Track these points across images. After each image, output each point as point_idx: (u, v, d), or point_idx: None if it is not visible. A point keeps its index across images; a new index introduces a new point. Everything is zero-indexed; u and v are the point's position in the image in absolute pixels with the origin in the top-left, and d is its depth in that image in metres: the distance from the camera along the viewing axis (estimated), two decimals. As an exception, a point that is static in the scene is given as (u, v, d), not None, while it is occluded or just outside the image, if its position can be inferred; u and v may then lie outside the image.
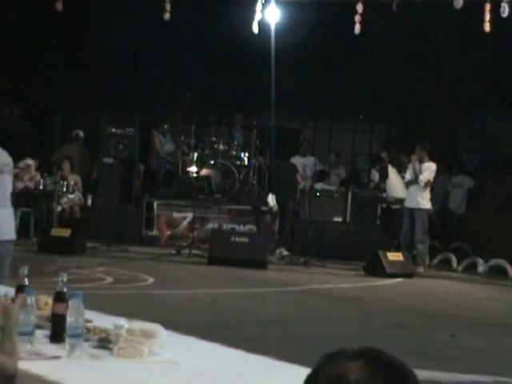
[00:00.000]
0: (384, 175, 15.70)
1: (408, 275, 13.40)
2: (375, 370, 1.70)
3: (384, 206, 16.08)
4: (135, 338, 3.27)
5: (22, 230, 15.83)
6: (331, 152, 19.05)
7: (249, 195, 16.85)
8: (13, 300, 3.83)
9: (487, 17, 12.59)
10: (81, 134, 17.86)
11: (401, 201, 15.09)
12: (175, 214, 16.35)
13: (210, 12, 17.60)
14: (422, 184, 14.23)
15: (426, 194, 14.39)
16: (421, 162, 14.38)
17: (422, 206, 14.30)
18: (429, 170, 14.34)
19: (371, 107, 20.13)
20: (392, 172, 15.80)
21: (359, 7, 13.15)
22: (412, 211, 14.37)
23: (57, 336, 3.42)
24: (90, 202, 16.92)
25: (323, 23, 17.29)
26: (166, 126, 17.78)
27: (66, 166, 16.15)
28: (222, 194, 16.29)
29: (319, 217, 15.73)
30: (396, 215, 15.61)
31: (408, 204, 14.54)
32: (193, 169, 16.76)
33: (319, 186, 16.60)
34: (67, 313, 3.35)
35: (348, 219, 16.03)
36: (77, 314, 3.30)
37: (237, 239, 13.82)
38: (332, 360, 1.74)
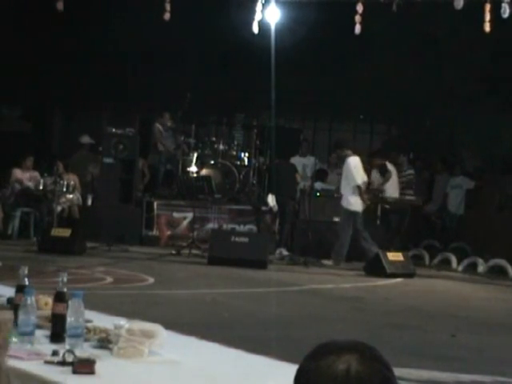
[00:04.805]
0: (384, 172, 15.68)
1: (408, 275, 13.39)
2: (371, 362, 1.76)
3: (387, 206, 16.07)
4: (135, 338, 3.27)
5: (22, 230, 15.86)
6: (333, 152, 19.02)
7: (249, 195, 16.85)
8: (12, 301, 3.84)
9: (487, 17, 12.58)
10: (84, 139, 17.74)
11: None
12: (175, 214, 16.35)
13: (209, 12, 17.58)
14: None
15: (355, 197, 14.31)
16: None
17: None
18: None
19: (371, 107, 20.13)
20: (394, 172, 15.79)
21: (359, 7, 13.15)
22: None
23: (57, 336, 3.42)
24: (89, 201, 16.91)
25: (323, 23, 17.26)
26: (167, 116, 17.38)
27: (60, 166, 16.18)
28: (222, 194, 16.29)
29: (319, 217, 15.72)
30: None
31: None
32: (193, 169, 16.76)
33: (319, 185, 16.59)
34: (67, 313, 3.35)
35: (348, 219, 16.00)
36: (77, 314, 3.30)
37: (237, 239, 13.81)
38: (326, 356, 1.75)
